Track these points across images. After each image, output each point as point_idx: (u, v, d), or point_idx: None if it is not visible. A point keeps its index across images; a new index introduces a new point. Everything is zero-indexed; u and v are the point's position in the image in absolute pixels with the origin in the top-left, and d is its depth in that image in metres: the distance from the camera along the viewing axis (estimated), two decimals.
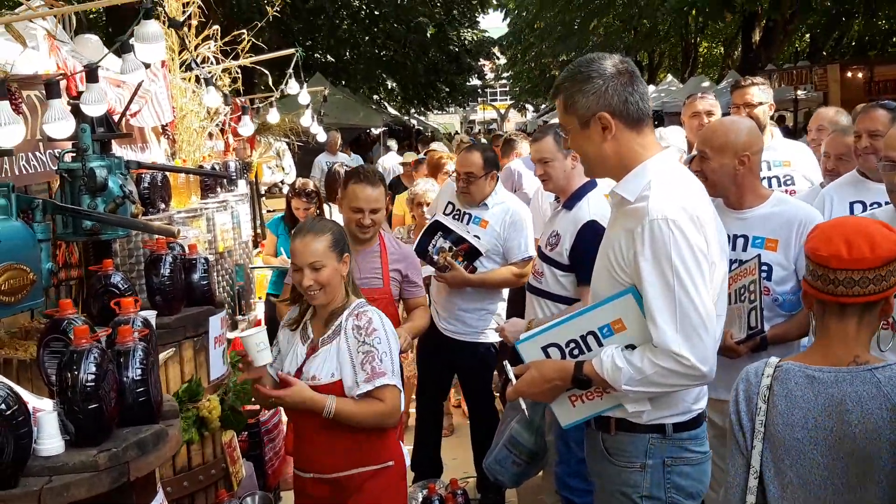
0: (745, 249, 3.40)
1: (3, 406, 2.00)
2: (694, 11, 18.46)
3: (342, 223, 6.90)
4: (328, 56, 24.16)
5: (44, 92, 4.06)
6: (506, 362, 2.68)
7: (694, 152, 3.74)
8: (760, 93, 4.81)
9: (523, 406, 2.79)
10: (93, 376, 2.15)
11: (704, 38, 28.65)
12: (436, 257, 4.76)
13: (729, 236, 3.07)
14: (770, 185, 4.51)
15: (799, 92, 16.75)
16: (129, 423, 2.32)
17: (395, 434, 3.41)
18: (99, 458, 2.12)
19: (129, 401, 2.32)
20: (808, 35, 24.49)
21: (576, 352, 2.53)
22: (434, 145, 8.23)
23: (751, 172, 3.40)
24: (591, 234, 3.72)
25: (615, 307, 2.45)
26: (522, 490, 5.19)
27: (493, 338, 4.79)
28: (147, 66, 3.91)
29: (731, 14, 18.84)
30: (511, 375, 2.64)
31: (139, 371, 2.34)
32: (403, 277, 4.31)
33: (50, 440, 2.15)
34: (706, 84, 20.57)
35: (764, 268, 3.34)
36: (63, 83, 3.75)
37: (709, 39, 29.36)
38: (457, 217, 4.84)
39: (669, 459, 2.54)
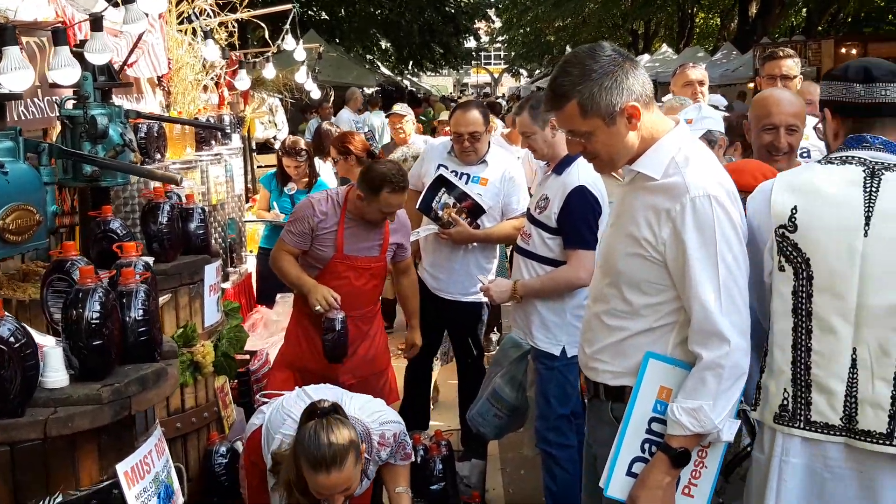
0: None
1: (11, 339, 2.10)
2: None
3: (329, 178, 6.92)
4: (322, 13, 23.97)
5: (43, 39, 4.11)
6: None
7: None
8: (795, 65, 4.81)
9: None
10: (98, 314, 2.24)
11: (701, 9, 28.55)
12: (440, 213, 4.81)
13: None
14: None
15: None
16: (131, 361, 2.42)
17: None
18: (102, 391, 2.22)
19: (131, 339, 2.42)
20: (804, 10, 24.45)
21: (654, 448, 2.44)
22: (396, 107, 7.99)
23: None
24: (579, 199, 3.81)
25: (650, 381, 2.43)
26: (503, 443, 5.33)
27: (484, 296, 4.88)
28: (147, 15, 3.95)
29: None
30: None
31: (141, 312, 2.43)
32: (399, 246, 4.41)
33: (55, 373, 2.25)
34: (701, 55, 20.60)
35: None
36: None
37: (705, 10, 29.26)
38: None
39: None
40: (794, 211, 2.39)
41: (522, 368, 4.05)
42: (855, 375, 2.32)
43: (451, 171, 4.88)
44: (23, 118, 3.86)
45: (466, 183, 4.82)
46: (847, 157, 2.41)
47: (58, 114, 4.19)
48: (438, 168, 4.92)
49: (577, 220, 3.82)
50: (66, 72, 2.96)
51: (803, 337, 2.37)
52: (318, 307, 4.01)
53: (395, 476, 3.45)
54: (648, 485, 2.40)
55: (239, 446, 3.67)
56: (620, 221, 2.55)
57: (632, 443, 2.46)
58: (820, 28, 22.77)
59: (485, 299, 4.75)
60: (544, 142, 4.00)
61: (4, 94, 2.44)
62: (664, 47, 24.92)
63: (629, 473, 2.46)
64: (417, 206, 4.86)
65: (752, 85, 15.97)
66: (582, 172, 3.84)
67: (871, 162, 2.37)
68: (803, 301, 2.37)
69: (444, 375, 6.22)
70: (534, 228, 4.02)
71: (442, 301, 4.96)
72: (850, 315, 2.31)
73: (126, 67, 4.74)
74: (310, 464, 2.89)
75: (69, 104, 3.42)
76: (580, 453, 3.99)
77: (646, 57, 24.34)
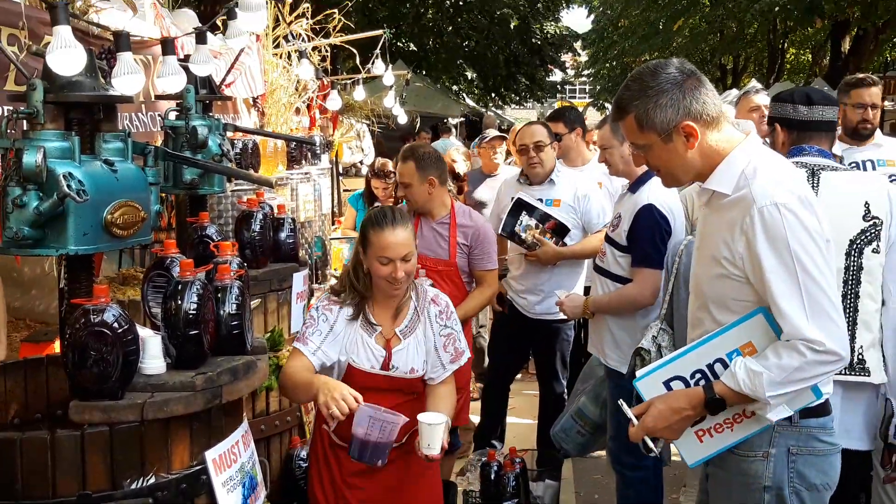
0: None
1: (115, 325, 2.23)
2: (781, 14, 18.11)
3: None
4: (411, 45, 24.40)
5: (148, 57, 4.35)
6: (621, 401, 2.53)
7: None
8: (879, 94, 4.93)
9: (650, 444, 2.49)
10: (195, 305, 2.37)
11: (792, 45, 28.05)
12: (523, 235, 4.89)
13: None
14: None
15: (886, 103, 16.35)
16: (223, 353, 2.54)
17: None
18: (196, 379, 2.34)
19: (224, 332, 2.54)
20: None
21: (702, 382, 2.43)
22: (493, 132, 7.93)
23: None
24: (646, 218, 3.82)
25: (745, 330, 2.38)
26: (578, 466, 5.31)
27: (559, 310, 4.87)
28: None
29: (820, 20, 18.44)
30: (631, 415, 2.46)
31: (234, 306, 2.56)
32: (471, 249, 4.42)
33: (154, 360, 2.37)
34: None
35: None
36: None
37: (796, 46, 28.74)
38: None
39: (795, 447, 2.44)
40: None
41: (606, 386, 4.06)
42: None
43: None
44: (127, 131, 4.07)
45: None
46: (795, 162, 3.23)
47: (159, 128, 4.41)
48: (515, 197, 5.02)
49: (644, 238, 3.83)
50: (172, 79, 3.14)
51: None
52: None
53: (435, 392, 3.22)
54: (670, 404, 2.42)
55: None
56: (703, 244, 2.55)
57: (688, 364, 2.46)
58: None
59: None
60: (621, 157, 4.04)
61: (117, 96, 2.59)
62: (753, 82, 24.50)
63: (665, 383, 2.48)
64: (500, 231, 4.93)
65: None
66: (653, 191, 3.86)
67: (810, 165, 3.31)
68: None
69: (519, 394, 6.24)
70: (608, 246, 4.06)
71: (530, 321, 5.03)
72: None
73: (224, 87, 4.95)
74: (375, 225, 3.03)
75: (172, 115, 3.60)
76: (655, 475, 3.98)
77: (734, 92, 23.98)
